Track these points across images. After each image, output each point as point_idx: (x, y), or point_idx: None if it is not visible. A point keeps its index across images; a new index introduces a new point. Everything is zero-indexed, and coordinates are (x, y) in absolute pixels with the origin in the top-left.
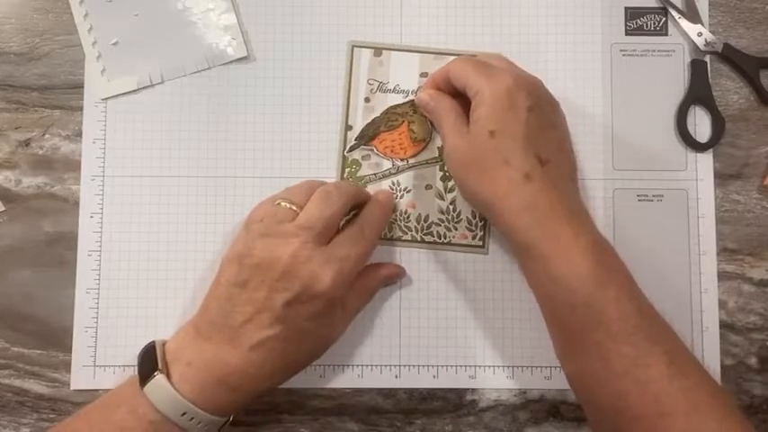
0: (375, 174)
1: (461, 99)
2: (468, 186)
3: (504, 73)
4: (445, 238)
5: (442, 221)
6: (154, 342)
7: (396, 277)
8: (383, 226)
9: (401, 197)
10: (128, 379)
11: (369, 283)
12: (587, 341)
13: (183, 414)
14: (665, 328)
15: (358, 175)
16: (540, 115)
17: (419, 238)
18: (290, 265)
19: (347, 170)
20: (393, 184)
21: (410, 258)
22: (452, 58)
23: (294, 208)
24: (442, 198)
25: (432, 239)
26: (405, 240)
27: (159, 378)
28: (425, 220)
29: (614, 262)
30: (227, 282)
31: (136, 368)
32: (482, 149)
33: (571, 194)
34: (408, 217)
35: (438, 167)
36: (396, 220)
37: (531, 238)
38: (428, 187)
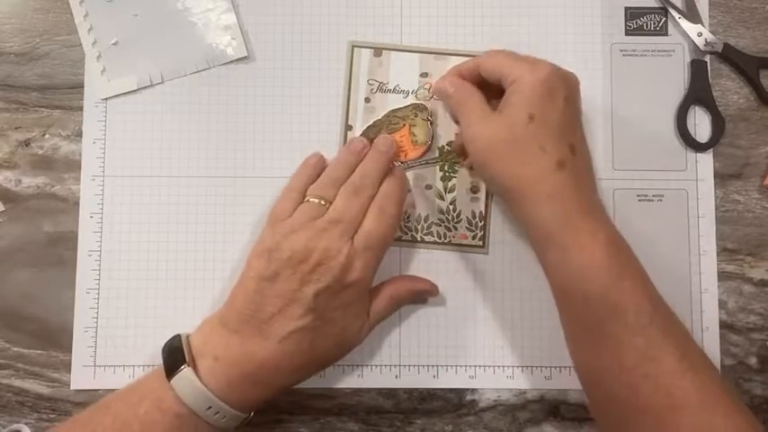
0: None
1: (483, 91)
2: (494, 170)
3: (542, 63)
4: (445, 238)
5: (442, 221)
6: (179, 335)
7: (427, 294)
8: (403, 202)
9: None
10: (151, 372)
11: (397, 292)
12: (601, 333)
13: (209, 408)
14: (678, 323)
15: None
16: (574, 106)
17: (419, 238)
18: (321, 258)
19: None
20: None
21: (410, 258)
22: (452, 58)
23: (323, 203)
24: (441, 198)
25: (432, 239)
26: (405, 240)
27: (186, 371)
28: (425, 221)
29: (630, 256)
30: (257, 276)
31: (161, 360)
32: (518, 133)
33: (593, 188)
34: (408, 217)
35: (438, 168)
36: None
37: (552, 228)
38: (428, 187)
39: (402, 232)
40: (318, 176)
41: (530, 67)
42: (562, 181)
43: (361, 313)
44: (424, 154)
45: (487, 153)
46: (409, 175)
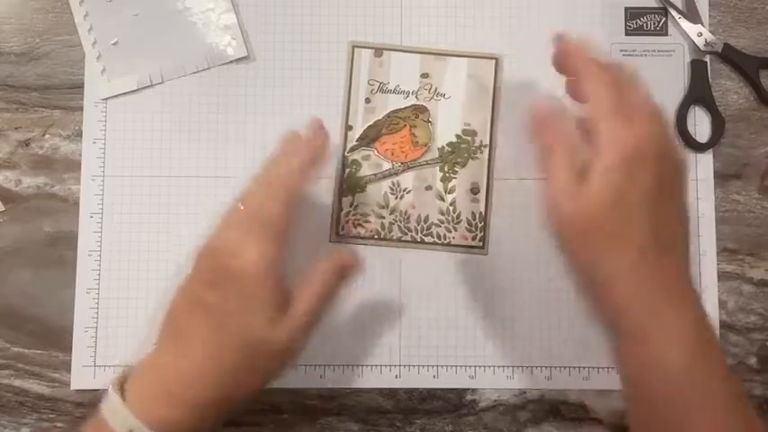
0: (375, 174)
1: None
2: (579, 255)
3: (639, 124)
4: (445, 239)
5: (442, 222)
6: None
7: (348, 266)
8: (294, 187)
9: (401, 198)
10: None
11: (318, 275)
12: None
13: None
14: (749, 416)
15: (358, 175)
16: (663, 182)
17: (419, 239)
18: (212, 252)
19: (347, 170)
20: (393, 184)
21: (410, 259)
22: (452, 58)
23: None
24: (441, 199)
25: (432, 240)
26: (405, 241)
27: (111, 395)
28: (425, 221)
29: (716, 354)
30: (177, 285)
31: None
32: (602, 217)
33: (684, 273)
34: (408, 218)
35: (438, 168)
36: (396, 220)
37: (638, 323)
38: (428, 188)
39: (402, 233)
40: None
41: (624, 126)
42: (648, 272)
43: (265, 307)
44: (425, 155)
45: (574, 235)
46: (409, 175)
